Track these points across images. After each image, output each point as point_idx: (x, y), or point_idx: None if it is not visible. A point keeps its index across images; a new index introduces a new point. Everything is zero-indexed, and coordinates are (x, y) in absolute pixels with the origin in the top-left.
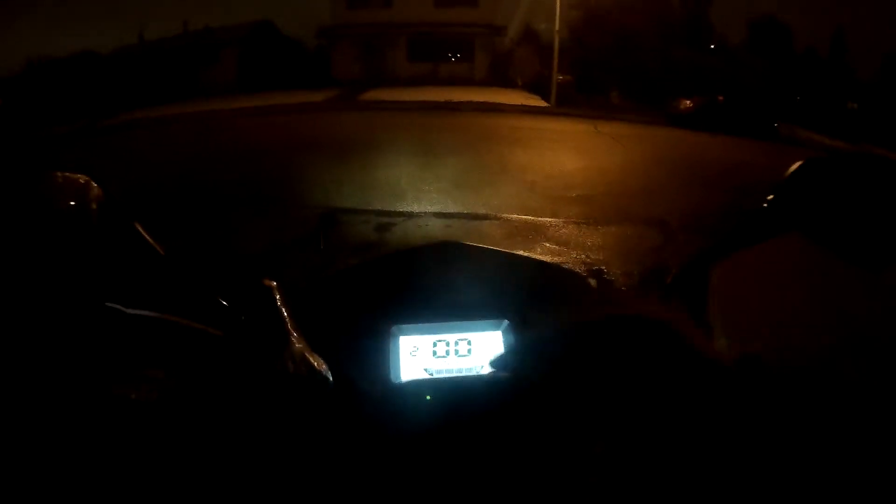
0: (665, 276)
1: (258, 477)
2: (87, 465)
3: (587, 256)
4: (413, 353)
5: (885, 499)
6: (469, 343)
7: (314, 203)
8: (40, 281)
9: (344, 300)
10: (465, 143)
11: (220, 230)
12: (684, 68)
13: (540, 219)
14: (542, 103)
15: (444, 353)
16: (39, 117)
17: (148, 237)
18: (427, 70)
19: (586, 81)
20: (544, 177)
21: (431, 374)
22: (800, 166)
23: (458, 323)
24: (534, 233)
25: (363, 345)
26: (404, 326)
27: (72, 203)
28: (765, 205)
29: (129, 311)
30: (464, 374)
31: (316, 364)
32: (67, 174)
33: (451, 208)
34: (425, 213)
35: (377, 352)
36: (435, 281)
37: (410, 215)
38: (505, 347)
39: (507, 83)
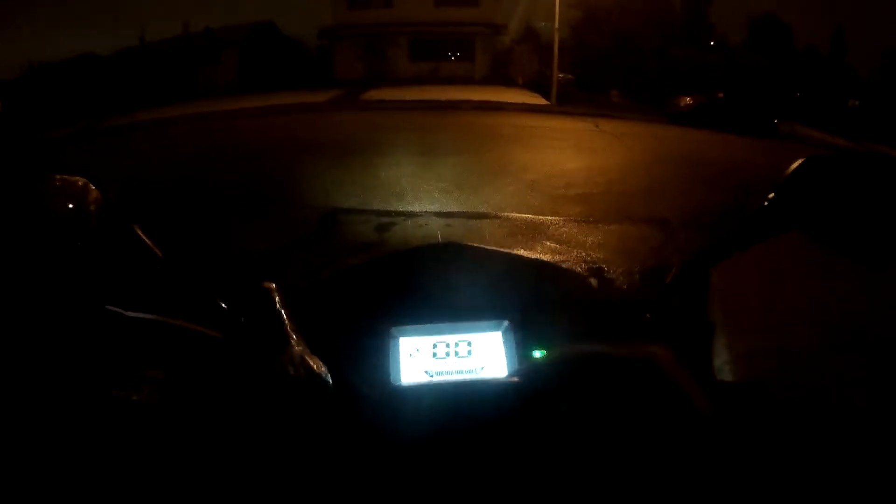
0: (665, 275)
1: (256, 478)
2: (88, 465)
3: (588, 255)
4: (413, 355)
5: None
6: (469, 344)
7: (315, 203)
8: (40, 284)
9: (343, 301)
10: (465, 143)
11: (220, 230)
12: (684, 66)
13: (541, 217)
14: (543, 102)
15: (444, 355)
16: (40, 119)
17: (147, 240)
18: (428, 69)
19: (587, 80)
20: (545, 175)
21: (431, 376)
22: (800, 164)
23: (458, 324)
24: (535, 232)
25: (363, 346)
26: (404, 328)
27: (70, 206)
28: (766, 203)
29: (129, 313)
30: (464, 375)
31: (315, 367)
32: (66, 177)
33: (452, 207)
34: (426, 212)
35: (377, 353)
36: (434, 282)
37: (411, 215)
38: (527, 360)
39: (507, 82)
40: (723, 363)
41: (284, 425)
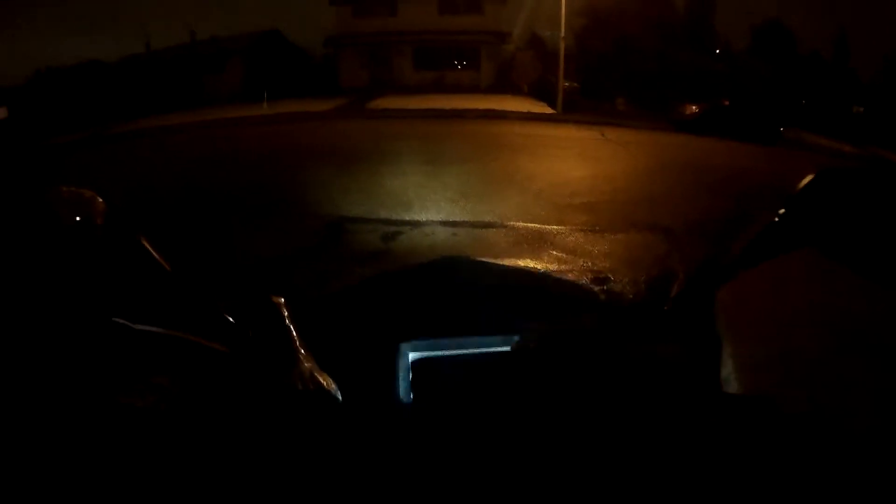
0: (671, 286)
1: (258, 489)
2: (92, 470)
3: (593, 264)
4: (421, 371)
5: None
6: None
7: (321, 212)
8: (47, 295)
9: (352, 316)
10: (471, 151)
11: (226, 239)
12: (689, 73)
13: (546, 227)
14: (548, 110)
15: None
16: (45, 126)
17: (154, 252)
18: (433, 78)
19: (592, 87)
20: (551, 184)
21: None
22: (811, 180)
23: (467, 339)
24: (540, 241)
25: (371, 362)
26: (413, 343)
27: (77, 218)
28: (776, 219)
29: (136, 326)
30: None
31: (325, 382)
32: (73, 189)
33: (458, 217)
34: (432, 221)
35: (386, 369)
36: (443, 297)
37: (417, 224)
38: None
39: (513, 90)
40: (728, 374)
41: (292, 439)
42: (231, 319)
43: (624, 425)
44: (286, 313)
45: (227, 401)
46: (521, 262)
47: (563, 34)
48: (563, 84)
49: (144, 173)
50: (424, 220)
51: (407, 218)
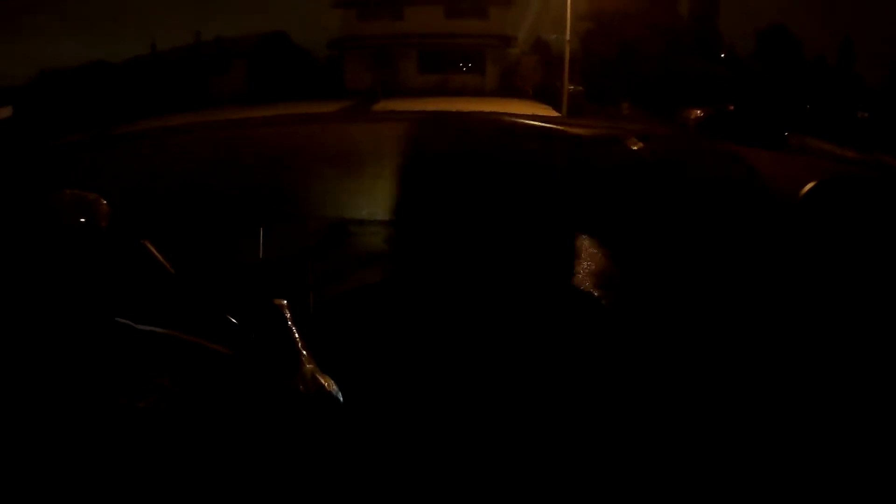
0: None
1: (260, 488)
2: (91, 468)
3: (596, 266)
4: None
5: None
6: None
7: (324, 214)
8: (51, 296)
9: (353, 320)
10: None
11: (229, 240)
12: (693, 78)
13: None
14: (554, 113)
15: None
16: (50, 126)
17: (158, 255)
18: (438, 81)
19: (596, 91)
20: None
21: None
22: (812, 187)
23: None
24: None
25: (372, 363)
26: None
27: (82, 220)
28: (780, 225)
29: (139, 326)
30: None
31: (326, 384)
32: (78, 192)
33: None
34: None
35: (386, 370)
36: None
37: None
38: None
39: (517, 93)
40: None
41: (294, 438)
42: (234, 321)
43: None
44: (288, 315)
45: (229, 401)
46: None
47: (568, 38)
48: (569, 87)
49: (147, 174)
50: None
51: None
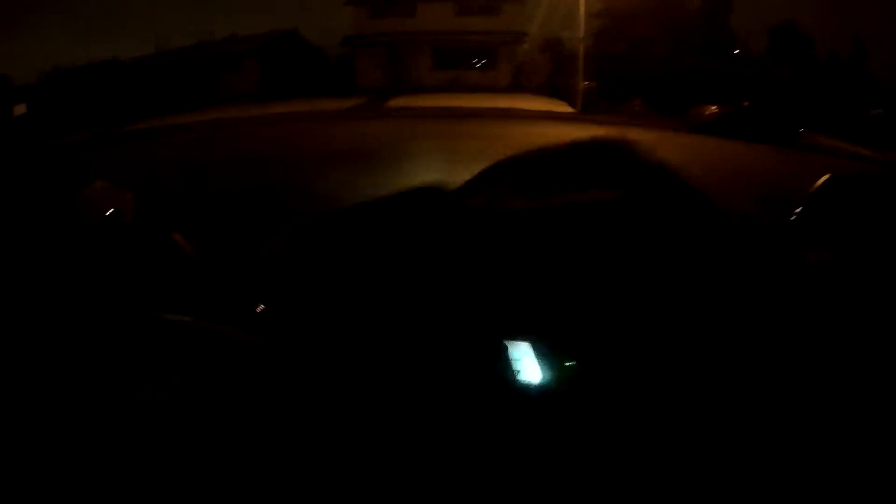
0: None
1: (278, 476)
2: (105, 459)
3: None
4: None
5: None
6: None
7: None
8: (79, 286)
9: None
10: (492, 150)
11: (243, 237)
12: (706, 75)
13: None
14: (568, 109)
15: None
16: (63, 123)
17: (185, 244)
18: (451, 78)
19: (609, 88)
20: None
21: None
22: (824, 182)
23: None
24: None
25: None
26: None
27: (110, 212)
28: (792, 218)
29: (166, 315)
30: None
31: (353, 369)
32: (106, 183)
33: None
34: None
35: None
36: None
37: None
38: None
39: (530, 90)
40: None
41: (324, 423)
42: (260, 309)
43: None
44: (312, 302)
45: (254, 387)
46: None
47: (581, 34)
48: (582, 84)
49: (159, 171)
50: None
51: None
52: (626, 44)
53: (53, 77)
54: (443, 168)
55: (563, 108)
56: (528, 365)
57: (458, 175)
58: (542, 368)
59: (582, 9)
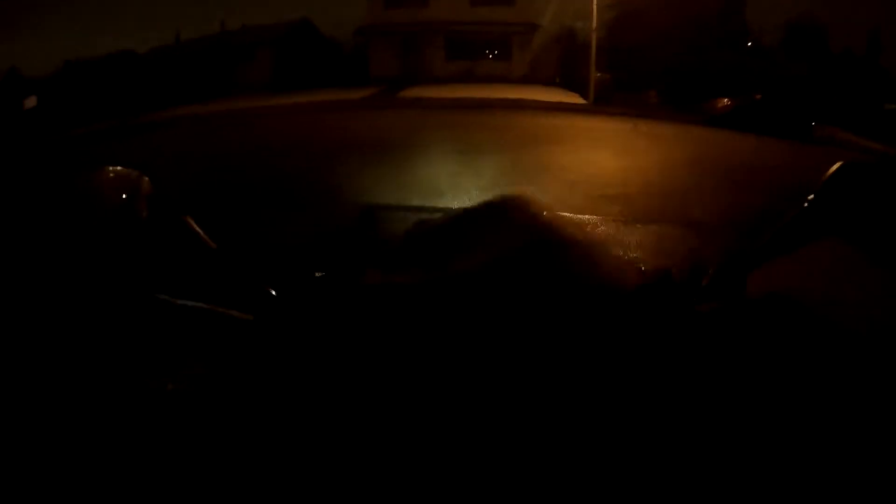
0: (702, 277)
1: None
2: (115, 450)
3: (626, 254)
4: None
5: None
6: None
7: (354, 199)
8: (92, 272)
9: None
10: (505, 141)
11: (258, 227)
12: (720, 68)
13: (580, 216)
14: (581, 100)
15: None
16: (76, 116)
17: (199, 230)
18: (464, 69)
19: (623, 80)
20: (585, 175)
21: None
22: (837, 170)
23: None
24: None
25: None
26: None
27: (123, 196)
28: (805, 205)
29: (178, 301)
30: None
31: (368, 355)
32: (119, 168)
33: None
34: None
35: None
36: None
37: (450, 212)
38: None
39: (545, 81)
40: None
41: (337, 409)
42: (275, 295)
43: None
44: (328, 288)
45: (266, 372)
46: None
47: (594, 25)
48: (596, 75)
49: (173, 162)
50: (458, 207)
51: (440, 205)
52: (641, 35)
53: (66, 69)
54: (455, 159)
55: (575, 99)
56: None
57: (470, 166)
58: None
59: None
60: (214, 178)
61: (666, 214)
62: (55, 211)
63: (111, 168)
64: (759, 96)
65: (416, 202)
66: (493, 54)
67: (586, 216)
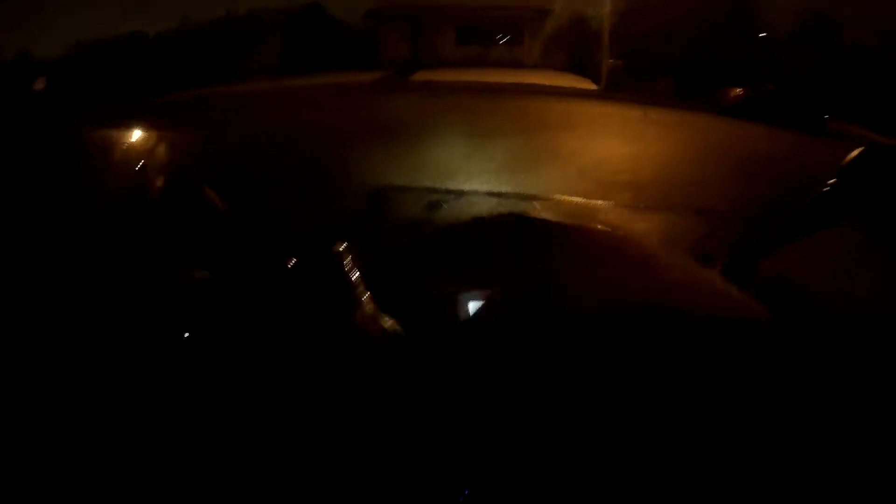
0: (713, 265)
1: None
2: (124, 425)
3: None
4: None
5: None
6: None
7: (365, 181)
8: (108, 238)
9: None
10: (516, 126)
11: (270, 209)
12: (732, 58)
13: (590, 202)
14: (592, 86)
15: None
16: (84, 98)
17: (217, 200)
18: (475, 53)
19: (635, 67)
20: (595, 161)
21: None
22: (858, 155)
23: None
24: (584, 215)
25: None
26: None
27: (142, 163)
28: (825, 188)
29: (193, 271)
30: None
31: (386, 324)
32: (140, 131)
33: (502, 188)
34: (476, 191)
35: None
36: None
37: (461, 194)
38: None
39: (557, 66)
40: None
41: (354, 377)
42: (292, 265)
43: None
44: (347, 260)
45: (286, 341)
46: None
47: (607, 11)
48: (608, 61)
49: (182, 145)
50: (468, 189)
51: (451, 187)
52: (654, 22)
53: (75, 52)
54: (465, 142)
55: (587, 85)
56: None
57: (481, 148)
58: None
59: None
60: (224, 160)
61: (676, 202)
62: (71, 172)
63: (128, 132)
64: (772, 87)
65: (427, 183)
66: (505, 39)
67: (598, 201)
